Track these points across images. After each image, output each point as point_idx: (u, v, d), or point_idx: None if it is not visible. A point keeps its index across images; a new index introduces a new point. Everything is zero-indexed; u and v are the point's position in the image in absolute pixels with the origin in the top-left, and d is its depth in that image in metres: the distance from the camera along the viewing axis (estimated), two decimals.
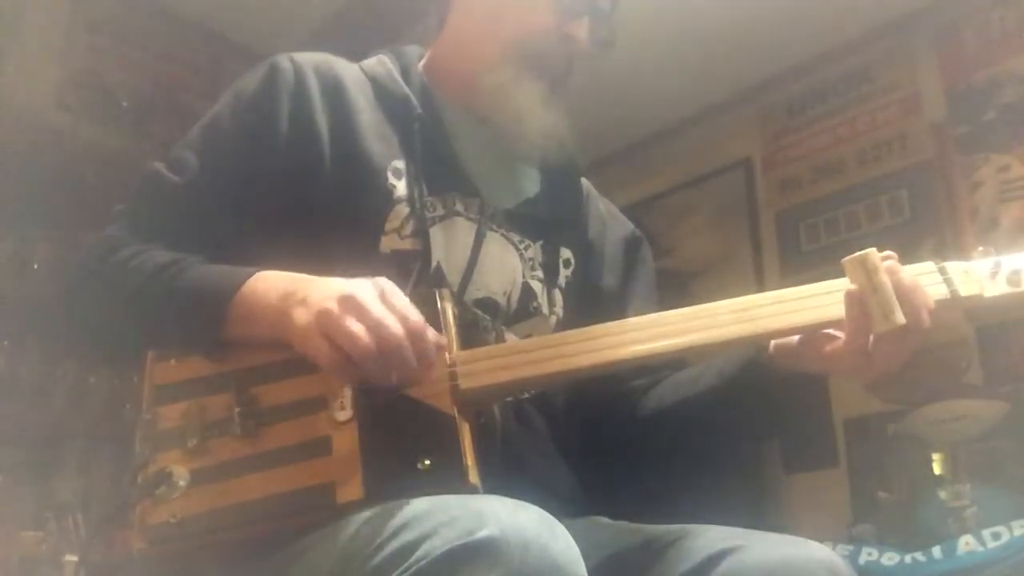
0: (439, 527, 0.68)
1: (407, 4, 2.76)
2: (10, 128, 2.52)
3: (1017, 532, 1.96)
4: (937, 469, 2.30)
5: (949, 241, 2.71)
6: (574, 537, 0.97)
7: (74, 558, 2.19)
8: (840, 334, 0.91)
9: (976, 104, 2.77)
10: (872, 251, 0.88)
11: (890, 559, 2.09)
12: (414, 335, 0.82)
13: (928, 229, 2.78)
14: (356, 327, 0.80)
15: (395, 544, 0.69)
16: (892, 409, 2.64)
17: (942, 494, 2.21)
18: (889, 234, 2.86)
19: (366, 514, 0.75)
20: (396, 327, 0.81)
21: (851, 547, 2.19)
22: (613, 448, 1.16)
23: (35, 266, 2.60)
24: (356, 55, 1.19)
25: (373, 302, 0.82)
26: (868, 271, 0.87)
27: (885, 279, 0.87)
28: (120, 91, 2.85)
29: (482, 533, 0.67)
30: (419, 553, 0.67)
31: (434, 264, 1.03)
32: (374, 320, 0.81)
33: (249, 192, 1.03)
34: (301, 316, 0.84)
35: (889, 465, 2.61)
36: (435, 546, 0.67)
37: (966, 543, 2.00)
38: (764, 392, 1.01)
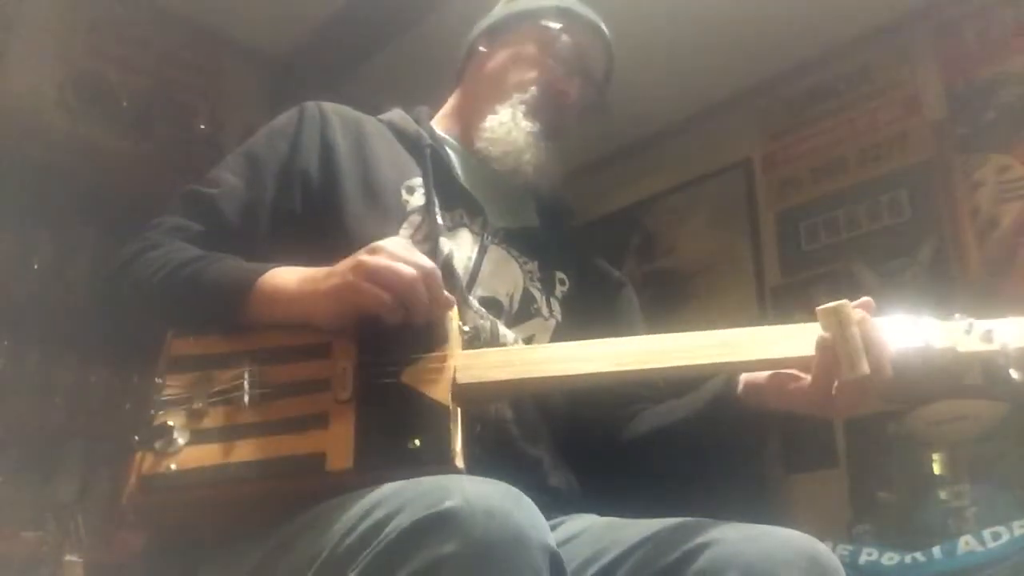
0: (406, 503, 0.72)
1: (406, 5, 2.76)
2: (10, 128, 2.52)
3: (1017, 532, 1.97)
4: (937, 469, 2.30)
5: (949, 241, 2.71)
6: (562, 531, 0.99)
7: (74, 558, 2.20)
8: (802, 374, 0.98)
9: (976, 104, 2.77)
10: (845, 303, 0.93)
11: (890, 559, 2.09)
12: (436, 271, 0.92)
13: (928, 229, 2.78)
14: (395, 263, 0.90)
15: (368, 522, 0.73)
16: (892, 409, 2.63)
17: (942, 494, 2.21)
18: (889, 234, 2.86)
19: (344, 499, 0.79)
20: (425, 259, 0.92)
21: (851, 547, 2.19)
22: (604, 464, 1.21)
23: (35, 266, 2.61)
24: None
25: (396, 246, 0.93)
26: (841, 321, 0.92)
27: (855, 331, 0.92)
28: (120, 91, 2.85)
29: (446, 504, 0.70)
30: (388, 529, 0.71)
31: (443, 257, 1.10)
32: (405, 257, 0.91)
33: (279, 202, 1.13)
34: (333, 281, 0.92)
35: (889, 465, 2.61)
36: (402, 520, 0.70)
37: (966, 543, 2.01)
38: (728, 424, 1.09)
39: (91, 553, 2.24)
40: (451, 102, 1.39)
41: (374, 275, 0.90)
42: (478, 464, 0.86)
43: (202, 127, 2.92)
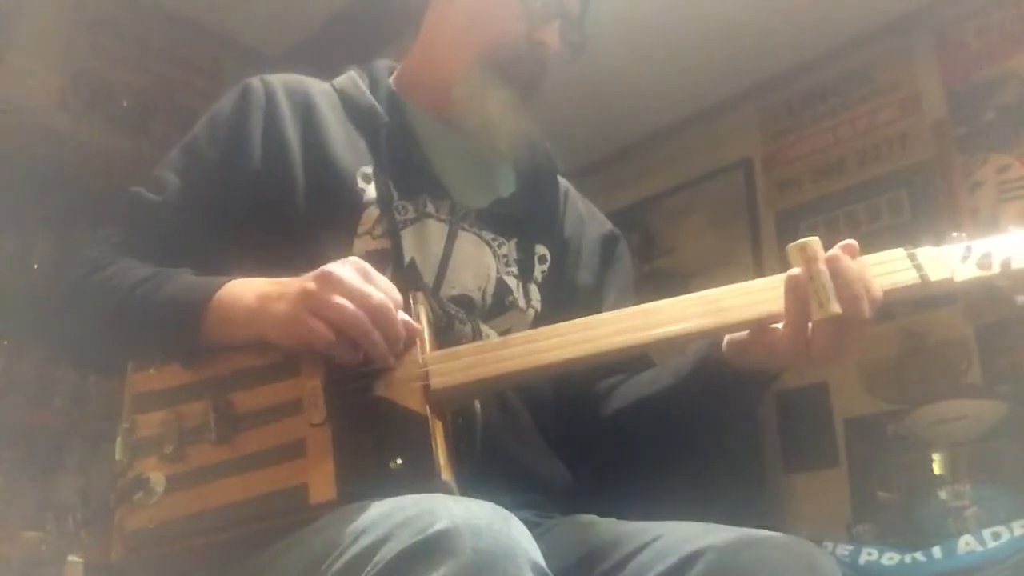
0: (395, 529, 0.70)
1: (405, 4, 2.76)
2: (10, 128, 2.52)
3: (1017, 532, 1.97)
4: (937, 469, 2.30)
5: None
6: (558, 534, 0.98)
7: (75, 558, 2.20)
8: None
9: (976, 104, 2.77)
10: (813, 239, 0.87)
11: (890, 559, 2.09)
12: (396, 302, 0.86)
13: (928, 229, 2.77)
14: (341, 300, 0.83)
15: (355, 549, 0.71)
16: (892, 409, 2.64)
17: (942, 494, 2.21)
18: (889, 234, 2.86)
19: (329, 520, 0.76)
20: (379, 294, 0.85)
21: (851, 547, 2.19)
22: (586, 447, 1.16)
23: (35, 266, 2.61)
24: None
25: (352, 276, 0.85)
26: (807, 259, 0.86)
27: (823, 267, 0.86)
28: (120, 91, 2.85)
29: (435, 528, 0.69)
30: (377, 557, 0.69)
31: (407, 260, 1.05)
32: (356, 291, 0.84)
33: (226, 204, 1.06)
34: (281, 307, 0.86)
35: (889, 465, 2.61)
36: (391, 548, 0.69)
37: (966, 543, 2.01)
38: (716, 389, 1.01)
39: (91, 553, 2.24)
40: (412, 56, 1.24)
41: (319, 311, 0.84)
42: (464, 466, 0.84)
43: None
